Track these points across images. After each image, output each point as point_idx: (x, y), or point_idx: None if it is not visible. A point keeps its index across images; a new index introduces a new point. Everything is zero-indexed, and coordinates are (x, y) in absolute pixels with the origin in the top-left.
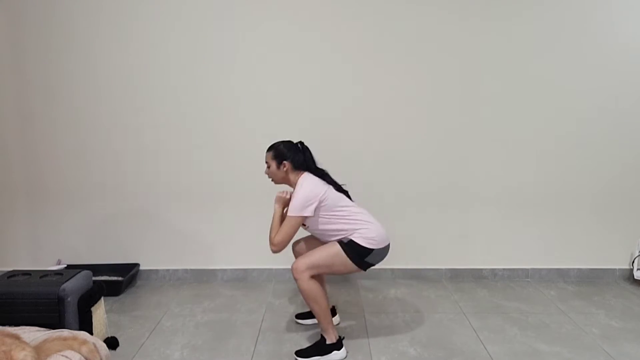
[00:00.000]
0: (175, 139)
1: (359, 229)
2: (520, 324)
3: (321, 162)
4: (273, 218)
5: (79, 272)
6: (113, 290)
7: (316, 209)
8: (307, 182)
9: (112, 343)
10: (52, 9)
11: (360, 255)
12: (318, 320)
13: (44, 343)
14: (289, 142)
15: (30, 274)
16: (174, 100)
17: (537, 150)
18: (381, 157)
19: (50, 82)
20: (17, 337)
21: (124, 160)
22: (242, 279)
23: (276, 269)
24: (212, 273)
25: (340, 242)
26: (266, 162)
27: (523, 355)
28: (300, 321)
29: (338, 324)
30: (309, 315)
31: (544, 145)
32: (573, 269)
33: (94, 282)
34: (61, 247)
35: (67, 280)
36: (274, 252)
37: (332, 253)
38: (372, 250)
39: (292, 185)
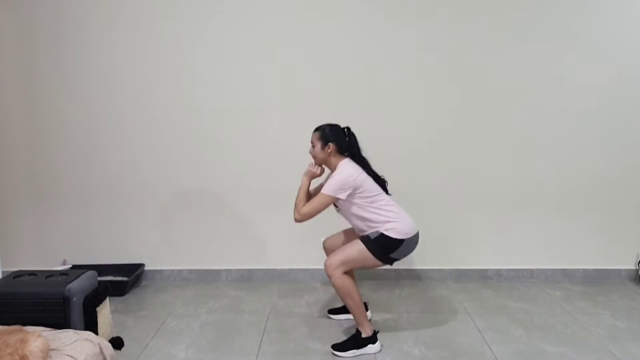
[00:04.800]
0: (180, 139)
1: (389, 221)
2: (526, 324)
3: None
4: (300, 189)
5: (84, 272)
6: (118, 290)
7: (350, 195)
8: (348, 167)
9: (117, 343)
10: (57, 8)
11: (385, 251)
12: (353, 315)
13: None
14: (337, 125)
15: (35, 274)
16: (177, 100)
17: (542, 151)
18: (385, 158)
19: (54, 83)
20: (20, 330)
21: (130, 161)
22: (247, 279)
23: (280, 269)
24: (216, 273)
25: (367, 237)
26: (311, 142)
27: (528, 356)
28: (333, 316)
29: (370, 319)
30: (341, 310)
31: (549, 145)
32: (578, 270)
33: (99, 282)
34: (66, 247)
35: (73, 280)
36: (297, 221)
37: (360, 249)
38: (402, 241)
39: (332, 168)
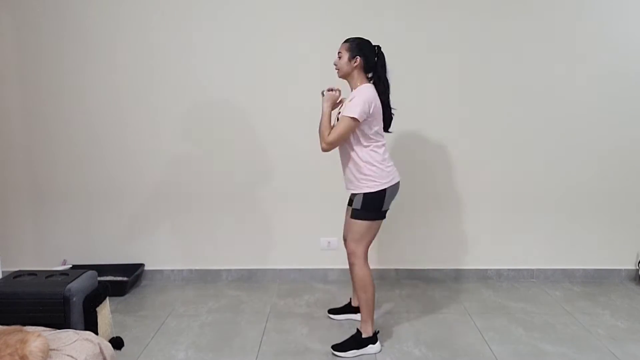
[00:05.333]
0: (180, 139)
1: (373, 180)
2: (526, 324)
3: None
4: (322, 117)
5: (84, 272)
6: (118, 290)
7: (364, 121)
8: (368, 90)
9: (117, 343)
10: (58, 8)
11: (376, 208)
12: (361, 309)
13: None
14: (368, 40)
15: (35, 274)
16: (179, 101)
17: (542, 151)
18: None
19: (54, 83)
20: (20, 330)
21: (129, 161)
22: (247, 279)
23: (280, 269)
24: (216, 273)
25: (356, 211)
26: (339, 52)
27: (528, 356)
28: (333, 316)
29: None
30: (341, 310)
31: (549, 145)
32: (578, 270)
33: (99, 282)
34: (66, 247)
35: (73, 280)
36: (325, 150)
37: (359, 223)
38: (384, 191)
39: (353, 86)
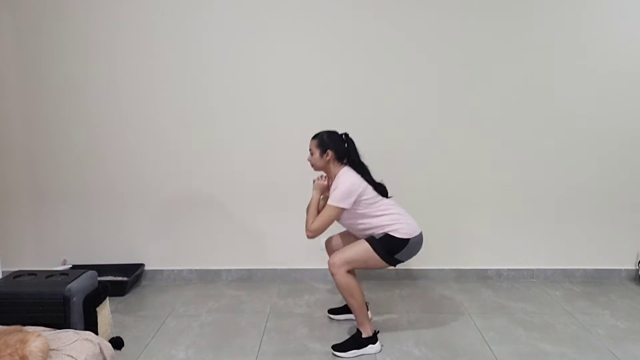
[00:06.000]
0: (180, 139)
1: (393, 223)
2: (526, 324)
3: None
4: (310, 204)
5: (84, 272)
6: (118, 290)
7: (354, 203)
8: (348, 175)
9: (117, 343)
10: (58, 8)
11: (390, 252)
12: (354, 315)
13: None
14: (335, 132)
15: (35, 274)
16: (179, 101)
17: (542, 151)
18: (384, 158)
19: (54, 83)
20: (20, 330)
21: (130, 161)
22: (247, 279)
23: (281, 269)
24: (216, 273)
25: (372, 237)
26: (310, 150)
27: (528, 356)
28: (333, 316)
29: (370, 319)
30: (341, 310)
31: (549, 145)
32: (578, 270)
33: (99, 282)
34: (66, 247)
35: (73, 280)
36: (309, 237)
37: (365, 249)
38: (407, 241)
39: (331, 175)
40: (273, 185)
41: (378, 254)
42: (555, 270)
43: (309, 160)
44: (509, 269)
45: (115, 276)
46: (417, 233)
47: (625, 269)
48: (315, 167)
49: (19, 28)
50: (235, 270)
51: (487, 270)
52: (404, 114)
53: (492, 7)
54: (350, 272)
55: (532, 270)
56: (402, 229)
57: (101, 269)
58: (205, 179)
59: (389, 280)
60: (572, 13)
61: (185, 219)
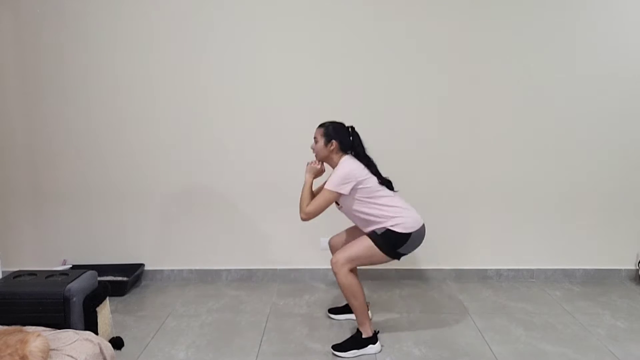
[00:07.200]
0: (180, 139)
1: (394, 216)
2: (526, 324)
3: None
4: (304, 187)
5: (84, 272)
6: (118, 290)
7: (352, 190)
8: (348, 162)
9: (117, 343)
10: (58, 7)
11: (394, 246)
12: (355, 315)
13: None
14: (341, 123)
15: (35, 274)
16: (179, 101)
17: (542, 151)
18: (384, 157)
19: (54, 82)
20: (20, 330)
21: (130, 161)
22: (247, 279)
23: (280, 269)
24: (216, 273)
25: (374, 232)
26: (314, 138)
27: (528, 356)
28: (333, 316)
29: (371, 319)
30: (341, 310)
31: (549, 145)
32: (578, 270)
33: (99, 282)
34: (66, 247)
35: (73, 280)
36: (303, 220)
37: (367, 245)
38: (409, 235)
39: (334, 166)
40: (273, 185)
41: (381, 249)
42: (555, 270)
43: (312, 148)
44: (509, 269)
45: (115, 276)
46: (418, 226)
47: (625, 269)
48: (318, 157)
49: (19, 27)
50: (235, 270)
51: (487, 270)
52: (403, 113)
53: (492, 7)
54: (352, 271)
55: (532, 270)
56: (403, 224)
57: (101, 269)
58: (205, 179)
59: (389, 280)
60: (573, 13)
61: (185, 219)
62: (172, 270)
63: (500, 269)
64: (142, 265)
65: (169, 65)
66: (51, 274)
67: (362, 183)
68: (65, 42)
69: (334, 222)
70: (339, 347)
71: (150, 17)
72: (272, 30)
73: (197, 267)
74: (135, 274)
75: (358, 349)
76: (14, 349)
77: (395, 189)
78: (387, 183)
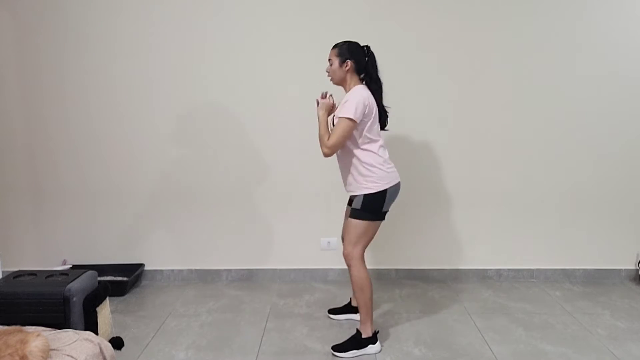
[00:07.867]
0: (180, 139)
1: (370, 175)
2: (526, 324)
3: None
4: (320, 124)
5: (84, 272)
6: (118, 290)
7: (361, 122)
8: (360, 91)
9: (117, 343)
10: (58, 7)
11: (376, 210)
12: (360, 310)
13: None
14: (356, 43)
15: (35, 274)
16: (179, 101)
17: (542, 151)
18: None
19: (55, 83)
20: (20, 330)
21: (130, 161)
22: (247, 279)
23: (280, 269)
24: (216, 273)
25: (355, 210)
26: (329, 59)
27: (528, 356)
28: (333, 316)
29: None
30: (341, 310)
31: (549, 145)
32: (578, 270)
33: (99, 282)
34: (66, 247)
35: (73, 280)
36: (327, 155)
37: (357, 224)
38: (385, 192)
39: (347, 88)
40: (273, 186)
41: (369, 219)
42: (555, 270)
43: (327, 70)
44: (509, 269)
45: (115, 276)
46: (394, 183)
47: (625, 269)
48: (334, 79)
49: (19, 28)
50: (235, 270)
51: (487, 270)
52: (403, 113)
53: (492, 7)
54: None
55: (532, 270)
56: (377, 184)
57: (101, 269)
58: (205, 179)
59: (389, 280)
60: (573, 13)
61: (186, 219)
62: (172, 270)
63: (500, 269)
64: (142, 265)
65: (168, 66)
66: (51, 274)
67: (368, 115)
68: (65, 42)
69: (335, 222)
70: (339, 348)
71: (150, 17)
72: (272, 30)
73: (197, 267)
74: (135, 274)
75: (358, 349)
76: (14, 349)
77: (387, 128)
78: (383, 118)
